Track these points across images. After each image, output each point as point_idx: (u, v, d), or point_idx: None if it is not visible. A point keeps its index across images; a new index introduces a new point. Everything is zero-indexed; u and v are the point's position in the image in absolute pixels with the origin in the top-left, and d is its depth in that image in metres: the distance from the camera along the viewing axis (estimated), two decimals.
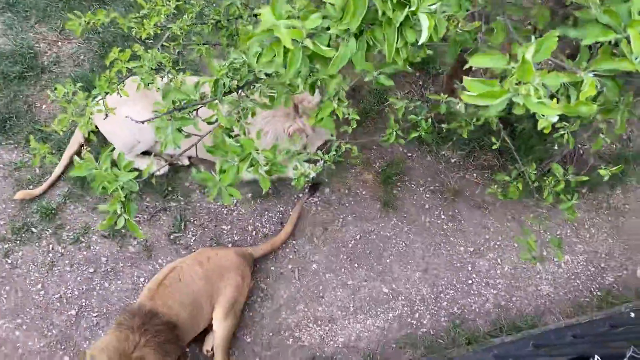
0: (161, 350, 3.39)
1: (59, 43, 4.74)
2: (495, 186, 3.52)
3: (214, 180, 1.87)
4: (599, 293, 4.38)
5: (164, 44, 2.74)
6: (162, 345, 3.42)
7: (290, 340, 3.98)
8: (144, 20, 2.63)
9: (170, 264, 3.83)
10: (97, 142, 4.33)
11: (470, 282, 4.29)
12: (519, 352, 3.65)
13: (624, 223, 4.66)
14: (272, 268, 4.17)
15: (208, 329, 3.85)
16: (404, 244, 4.34)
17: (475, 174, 4.67)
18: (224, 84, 1.90)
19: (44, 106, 4.47)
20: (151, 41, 3.63)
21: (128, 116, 2.71)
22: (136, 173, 1.88)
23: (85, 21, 2.62)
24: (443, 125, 3.29)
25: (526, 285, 4.35)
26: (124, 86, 2.65)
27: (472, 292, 4.27)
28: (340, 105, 2.23)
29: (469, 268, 4.34)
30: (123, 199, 1.76)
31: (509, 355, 3.61)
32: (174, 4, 2.61)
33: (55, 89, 2.57)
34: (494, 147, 3.24)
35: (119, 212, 1.75)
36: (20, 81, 4.49)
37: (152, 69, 2.49)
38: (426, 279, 4.25)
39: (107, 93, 2.51)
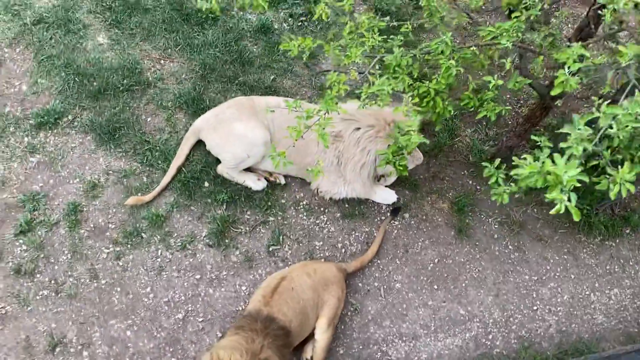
0: (280, 354, 3.35)
1: (162, 61, 4.71)
2: None
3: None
4: None
5: (371, 71, 2.81)
6: (281, 349, 3.38)
7: (379, 354, 3.97)
8: (351, 49, 2.71)
9: (278, 273, 3.80)
10: (201, 155, 4.33)
11: (535, 308, 4.38)
12: None
13: None
14: (360, 284, 4.19)
15: (307, 338, 3.84)
16: (477, 270, 4.41)
17: (535, 210, 4.79)
18: None
19: (149, 119, 4.43)
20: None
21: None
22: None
23: (296, 44, 2.68)
24: None
25: (582, 313, 4.45)
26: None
27: (537, 317, 4.35)
28: None
29: (534, 295, 4.43)
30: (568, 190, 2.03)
31: None
32: (378, 38, 2.70)
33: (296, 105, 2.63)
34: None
35: (564, 198, 2.01)
36: (128, 94, 4.46)
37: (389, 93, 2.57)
38: (497, 304, 4.32)
39: (327, 111, 2.56)
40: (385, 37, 2.82)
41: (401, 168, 3.24)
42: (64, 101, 4.30)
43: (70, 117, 4.26)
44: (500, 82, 2.89)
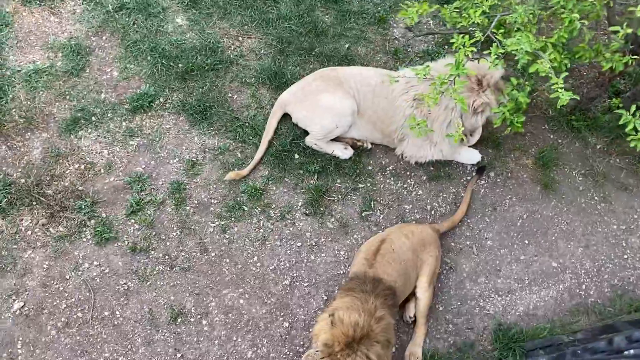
0: (391, 312, 3.38)
1: (240, 38, 4.66)
2: None
3: None
4: None
5: (493, 30, 2.72)
6: (391, 308, 3.39)
7: (477, 309, 3.96)
8: (470, 10, 2.62)
9: (376, 236, 3.77)
10: (288, 128, 4.32)
11: (625, 256, 4.27)
12: None
13: None
14: (452, 244, 4.16)
15: (407, 298, 3.87)
16: (565, 223, 4.31)
17: (618, 160, 4.62)
18: None
19: (235, 96, 4.41)
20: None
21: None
22: None
23: (415, 10, 2.60)
24: None
25: None
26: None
27: (627, 265, 4.25)
28: None
29: (623, 244, 4.31)
30: None
31: None
32: None
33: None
34: None
35: None
36: (213, 73, 4.43)
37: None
38: (587, 254, 4.24)
39: (458, 74, 2.50)
40: None
41: (519, 125, 3.16)
42: (154, 84, 4.32)
43: (162, 100, 4.29)
44: (629, 30, 2.74)
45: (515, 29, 2.72)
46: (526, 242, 4.18)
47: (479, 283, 4.01)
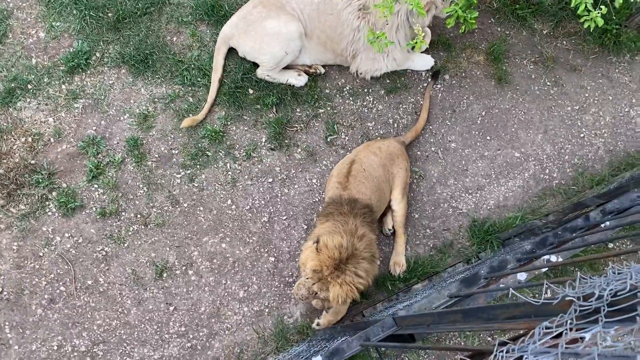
0: (370, 228, 3.31)
1: None
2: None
3: None
4: None
5: None
6: (370, 225, 3.31)
7: (450, 210, 3.92)
8: None
9: (345, 159, 3.61)
10: (237, 63, 3.99)
11: (582, 135, 4.26)
12: None
13: None
14: (418, 153, 4.04)
15: (384, 212, 3.79)
16: (522, 113, 4.22)
17: (564, 42, 4.49)
18: None
19: (174, 38, 3.98)
20: None
21: None
22: None
23: None
24: None
25: (626, 130, 4.30)
26: None
27: (585, 143, 4.25)
28: None
29: (579, 124, 4.28)
30: None
31: None
32: None
33: None
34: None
35: None
36: (146, 17, 3.96)
37: None
38: (547, 139, 4.19)
39: None
40: None
41: (473, 22, 2.96)
42: (86, 39, 3.85)
43: (98, 55, 3.85)
44: None
45: None
46: (488, 138, 4.09)
47: (449, 185, 3.95)
